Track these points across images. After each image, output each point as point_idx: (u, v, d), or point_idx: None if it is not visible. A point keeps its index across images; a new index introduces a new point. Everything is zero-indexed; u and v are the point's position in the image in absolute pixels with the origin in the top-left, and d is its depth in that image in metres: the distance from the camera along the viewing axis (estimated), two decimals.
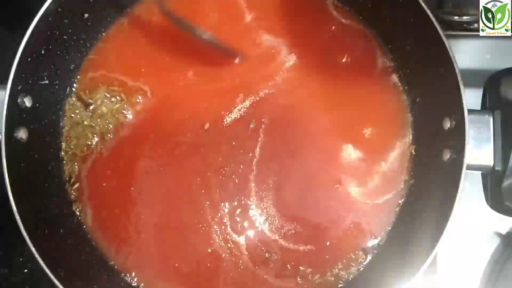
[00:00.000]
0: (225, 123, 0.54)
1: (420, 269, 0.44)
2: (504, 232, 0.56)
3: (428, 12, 0.46)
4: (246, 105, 0.54)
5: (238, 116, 0.54)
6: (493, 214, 0.50)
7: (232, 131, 0.54)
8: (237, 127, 0.54)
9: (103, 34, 0.57)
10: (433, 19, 0.46)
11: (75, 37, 0.54)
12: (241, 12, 0.57)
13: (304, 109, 0.54)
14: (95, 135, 0.55)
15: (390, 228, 0.52)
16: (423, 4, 0.46)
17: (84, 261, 0.51)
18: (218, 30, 0.53)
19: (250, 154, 0.53)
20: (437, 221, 0.44)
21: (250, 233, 0.52)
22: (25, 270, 0.60)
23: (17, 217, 0.44)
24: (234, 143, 0.53)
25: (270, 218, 0.52)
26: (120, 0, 0.57)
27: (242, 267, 0.52)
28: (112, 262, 0.52)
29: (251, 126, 0.54)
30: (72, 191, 0.54)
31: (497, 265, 0.54)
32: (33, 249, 0.44)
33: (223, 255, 0.52)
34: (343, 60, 0.55)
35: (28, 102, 0.48)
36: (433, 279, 0.55)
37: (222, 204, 0.52)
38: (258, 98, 0.54)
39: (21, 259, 0.60)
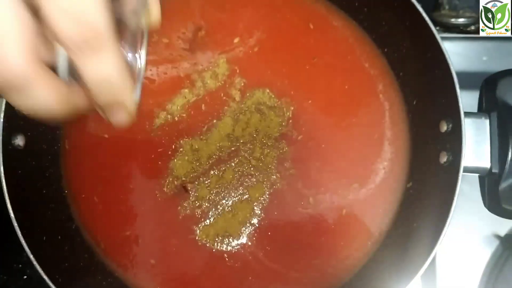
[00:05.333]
0: None
1: (418, 272, 0.43)
2: (502, 234, 0.56)
3: (424, 14, 0.46)
4: None
5: None
6: (491, 216, 0.50)
7: None
8: None
9: None
10: (429, 22, 0.46)
11: None
12: None
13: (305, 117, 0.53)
14: None
15: (387, 231, 0.52)
16: (418, 7, 0.46)
17: (83, 267, 0.51)
18: None
19: None
20: (435, 224, 0.44)
21: None
22: (24, 277, 0.59)
23: (15, 224, 0.44)
24: None
25: None
26: None
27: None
28: (111, 268, 0.52)
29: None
30: (70, 197, 0.54)
31: (496, 267, 0.54)
32: (31, 256, 0.44)
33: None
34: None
35: None
36: (431, 282, 0.55)
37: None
38: None
39: (19, 265, 0.60)
